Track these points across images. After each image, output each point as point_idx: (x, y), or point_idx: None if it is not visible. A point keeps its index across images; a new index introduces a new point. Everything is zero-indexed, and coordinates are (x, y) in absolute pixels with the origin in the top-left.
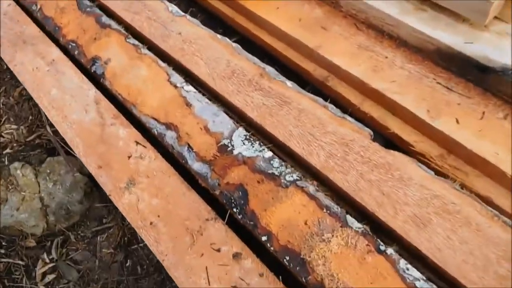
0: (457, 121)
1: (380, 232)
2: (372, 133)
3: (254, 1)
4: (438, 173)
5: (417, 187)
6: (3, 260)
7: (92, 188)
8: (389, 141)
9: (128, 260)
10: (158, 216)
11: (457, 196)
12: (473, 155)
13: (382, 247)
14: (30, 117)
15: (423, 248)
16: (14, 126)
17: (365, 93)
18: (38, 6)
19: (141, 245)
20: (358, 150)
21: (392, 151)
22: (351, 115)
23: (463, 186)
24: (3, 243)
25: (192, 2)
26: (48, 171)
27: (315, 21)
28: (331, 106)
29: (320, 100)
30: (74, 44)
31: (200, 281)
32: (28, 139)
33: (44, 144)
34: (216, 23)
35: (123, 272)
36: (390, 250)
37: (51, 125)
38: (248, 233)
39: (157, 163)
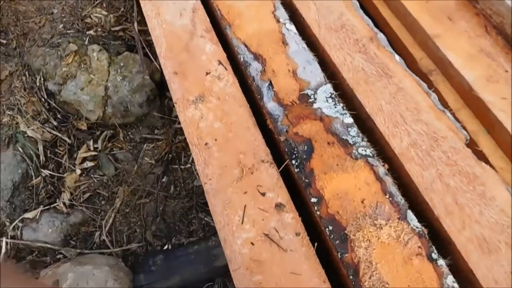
0: None
1: (435, 241)
2: (468, 138)
3: None
4: None
5: (497, 210)
6: (52, 132)
7: (156, 97)
8: None
9: (165, 177)
10: (215, 140)
11: None
12: None
13: (435, 256)
14: (122, 9)
15: (480, 274)
16: (104, 12)
17: (467, 101)
18: None
19: (182, 167)
20: (447, 149)
21: (484, 164)
22: None
23: None
24: (58, 116)
25: None
26: (122, 64)
27: (442, 8)
28: (434, 95)
29: (425, 86)
30: None
31: (234, 217)
32: (113, 29)
33: (127, 39)
34: None
35: (156, 186)
36: (441, 262)
37: (139, 23)
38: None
39: (233, 89)
